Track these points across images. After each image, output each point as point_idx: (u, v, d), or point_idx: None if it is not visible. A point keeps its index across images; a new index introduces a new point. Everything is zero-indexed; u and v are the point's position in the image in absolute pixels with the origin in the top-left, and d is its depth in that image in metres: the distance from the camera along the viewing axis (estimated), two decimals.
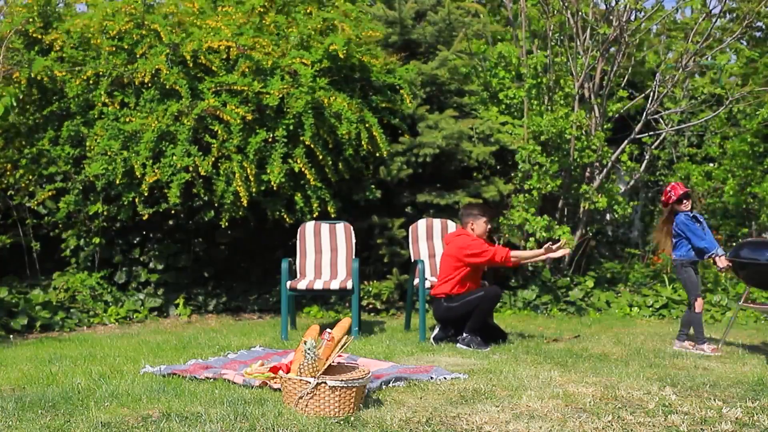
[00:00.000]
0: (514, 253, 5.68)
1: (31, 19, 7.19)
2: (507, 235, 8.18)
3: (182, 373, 4.30)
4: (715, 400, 3.80)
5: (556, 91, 8.64)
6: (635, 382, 4.20)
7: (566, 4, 8.53)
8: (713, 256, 5.52)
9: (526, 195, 8.19)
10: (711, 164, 10.26)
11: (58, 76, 7.04)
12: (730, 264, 5.45)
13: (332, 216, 7.25)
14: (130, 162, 6.82)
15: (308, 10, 7.61)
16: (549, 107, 8.54)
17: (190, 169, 6.83)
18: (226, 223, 7.15)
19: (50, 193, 7.37)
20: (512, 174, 8.47)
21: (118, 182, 6.90)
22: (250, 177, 6.86)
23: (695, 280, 5.64)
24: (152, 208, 7.23)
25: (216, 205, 7.20)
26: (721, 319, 7.64)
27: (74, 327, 6.91)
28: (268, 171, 6.91)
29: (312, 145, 7.00)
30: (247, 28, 7.20)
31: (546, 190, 8.14)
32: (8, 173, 7.47)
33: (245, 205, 6.94)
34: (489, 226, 5.91)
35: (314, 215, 7.20)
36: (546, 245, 5.66)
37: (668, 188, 5.83)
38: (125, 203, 7.17)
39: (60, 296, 7.24)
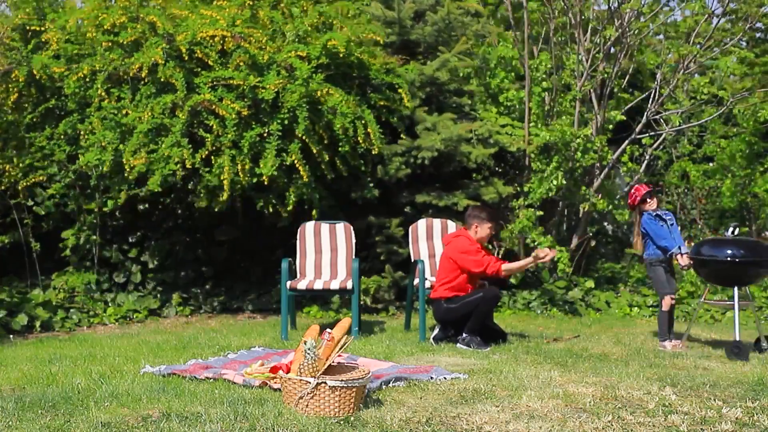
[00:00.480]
0: (505, 266, 5.70)
1: (27, 11, 7.20)
2: (508, 245, 8.17)
3: (182, 373, 4.30)
4: (715, 400, 3.80)
5: (560, 95, 8.63)
6: (635, 382, 4.20)
7: (567, 4, 8.52)
8: (674, 254, 5.66)
9: (526, 199, 8.17)
10: (710, 164, 10.26)
11: (56, 73, 7.04)
12: (692, 261, 5.57)
13: (314, 217, 7.25)
14: (124, 156, 6.80)
15: (304, 8, 7.61)
16: (552, 107, 8.52)
17: (177, 160, 6.81)
18: (204, 204, 7.14)
19: (41, 178, 7.38)
20: (511, 175, 8.45)
21: (106, 170, 6.88)
22: (241, 172, 6.82)
23: (664, 279, 5.76)
24: (135, 191, 7.28)
25: (201, 195, 7.22)
26: (722, 318, 7.64)
27: (74, 327, 6.90)
28: (261, 165, 6.90)
29: (306, 139, 6.98)
30: (241, 20, 7.21)
31: (547, 196, 8.12)
32: (7, 173, 7.48)
33: (225, 198, 6.91)
34: (492, 233, 5.92)
35: (294, 213, 7.20)
36: (534, 253, 5.68)
37: (632, 191, 6.02)
38: (112, 192, 7.19)
39: (59, 296, 7.24)
